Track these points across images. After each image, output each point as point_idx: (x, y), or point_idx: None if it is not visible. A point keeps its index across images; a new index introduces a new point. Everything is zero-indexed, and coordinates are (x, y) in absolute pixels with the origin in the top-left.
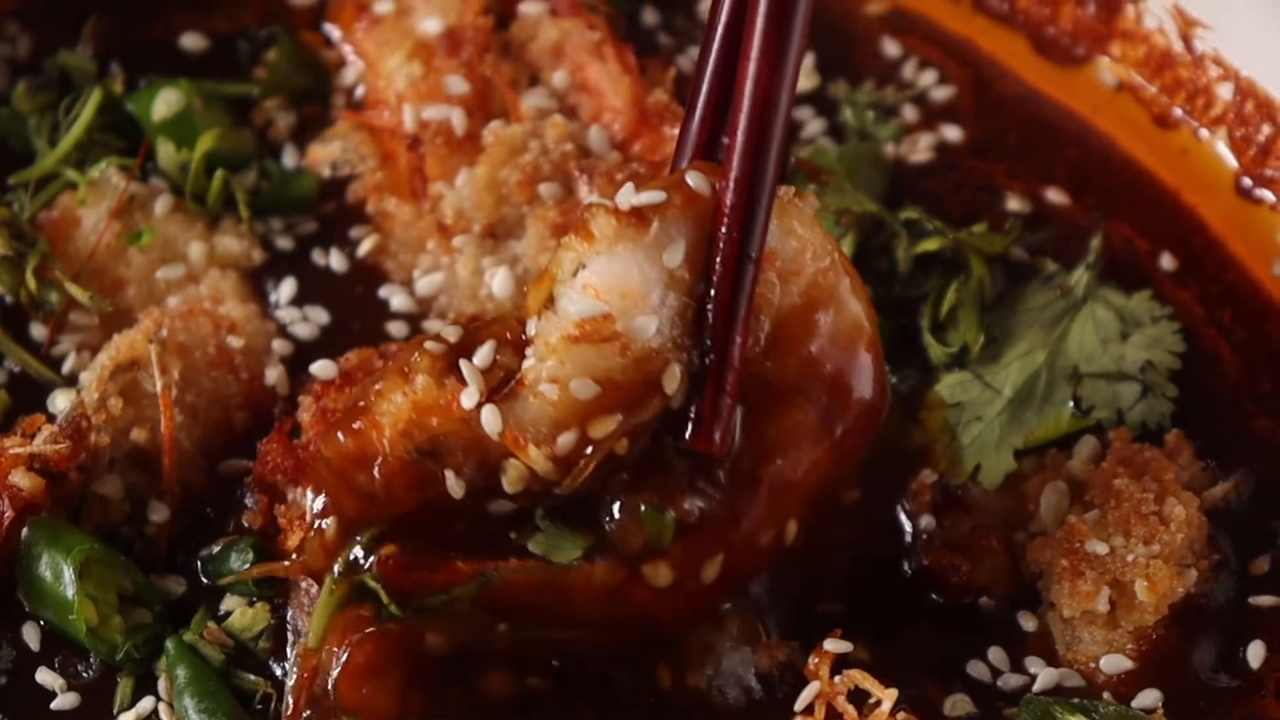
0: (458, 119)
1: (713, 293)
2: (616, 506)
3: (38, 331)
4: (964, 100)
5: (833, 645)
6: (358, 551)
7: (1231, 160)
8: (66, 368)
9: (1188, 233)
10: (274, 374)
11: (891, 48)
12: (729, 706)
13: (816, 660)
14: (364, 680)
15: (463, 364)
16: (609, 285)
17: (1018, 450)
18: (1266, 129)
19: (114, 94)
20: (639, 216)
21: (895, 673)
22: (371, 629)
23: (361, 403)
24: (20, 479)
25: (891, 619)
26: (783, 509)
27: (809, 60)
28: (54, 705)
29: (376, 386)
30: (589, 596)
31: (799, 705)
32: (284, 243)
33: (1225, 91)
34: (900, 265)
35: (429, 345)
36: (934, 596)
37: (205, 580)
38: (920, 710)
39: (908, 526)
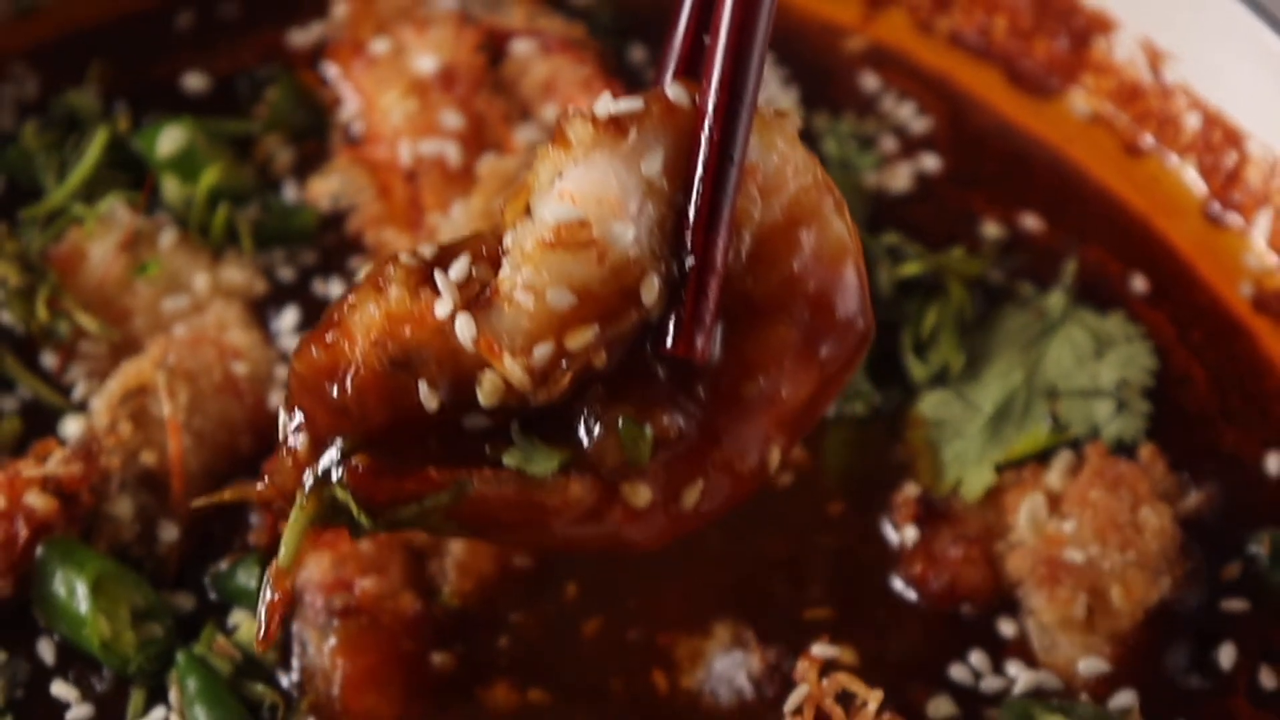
0: (452, 152)
1: (693, 198)
2: (594, 422)
3: (48, 361)
4: (941, 131)
5: (820, 650)
6: (328, 464)
7: (1200, 186)
8: (76, 395)
9: (1159, 256)
10: (277, 399)
11: (871, 81)
12: (721, 709)
13: (805, 664)
14: (368, 689)
15: (437, 275)
16: (586, 192)
17: (998, 465)
18: (1233, 156)
19: (119, 132)
20: (617, 124)
21: (880, 676)
22: (377, 642)
23: (335, 316)
24: (35, 500)
25: (876, 625)
26: (765, 432)
27: (794, 94)
28: (69, 717)
29: (349, 299)
30: (565, 514)
31: (788, 707)
32: (286, 273)
33: (1194, 120)
34: (882, 289)
35: (403, 258)
36: (917, 604)
37: (214, 596)
38: (904, 712)
39: (892, 537)
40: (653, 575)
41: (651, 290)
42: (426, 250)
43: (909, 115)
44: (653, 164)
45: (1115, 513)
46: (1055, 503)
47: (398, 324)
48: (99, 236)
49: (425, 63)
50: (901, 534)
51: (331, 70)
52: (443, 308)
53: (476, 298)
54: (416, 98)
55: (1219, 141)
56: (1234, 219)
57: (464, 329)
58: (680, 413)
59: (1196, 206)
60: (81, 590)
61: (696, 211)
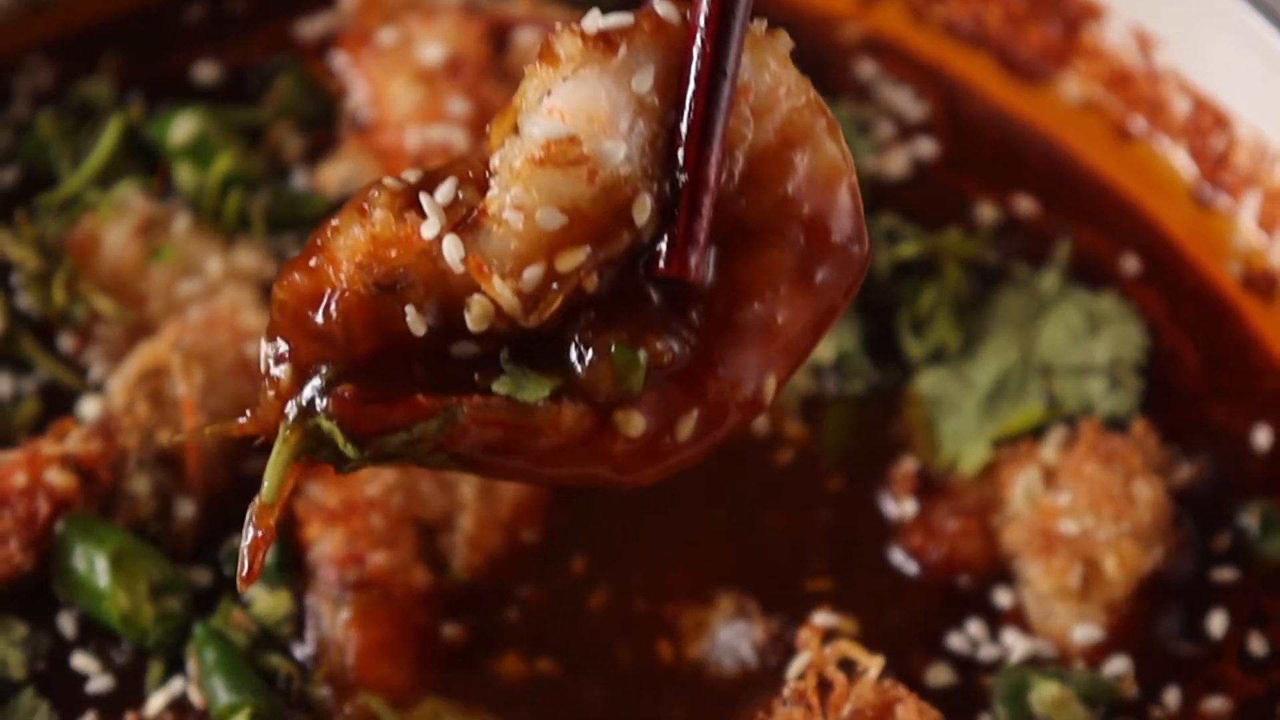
0: (458, 139)
1: (685, 113)
2: (586, 349)
3: (66, 344)
4: (937, 117)
5: (822, 619)
6: (312, 393)
7: (1190, 169)
8: (93, 376)
9: (1150, 237)
10: None
11: (867, 69)
12: (726, 677)
13: (807, 633)
14: (381, 659)
15: (423, 199)
16: (575, 109)
17: (994, 440)
18: (1222, 139)
19: (133, 121)
20: (606, 40)
21: (880, 645)
22: (389, 614)
23: (318, 241)
24: (55, 477)
25: (876, 596)
26: (761, 360)
27: None
28: (90, 687)
29: (333, 223)
30: (558, 444)
31: (791, 673)
32: None
33: (1183, 105)
34: (880, 270)
35: (387, 182)
36: (916, 575)
37: (229, 571)
38: (904, 680)
39: (890, 511)
40: (657, 549)
41: (644, 210)
42: (411, 175)
43: (905, 101)
44: (643, 80)
45: (1109, 486)
46: (1050, 476)
47: (383, 247)
48: (114, 222)
49: (432, 52)
50: (900, 508)
51: (339, 59)
52: (429, 230)
53: (464, 220)
54: (423, 86)
55: (1208, 125)
56: (1223, 200)
57: (452, 250)
58: (675, 338)
59: (1186, 189)
60: (101, 565)
61: (689, 126)
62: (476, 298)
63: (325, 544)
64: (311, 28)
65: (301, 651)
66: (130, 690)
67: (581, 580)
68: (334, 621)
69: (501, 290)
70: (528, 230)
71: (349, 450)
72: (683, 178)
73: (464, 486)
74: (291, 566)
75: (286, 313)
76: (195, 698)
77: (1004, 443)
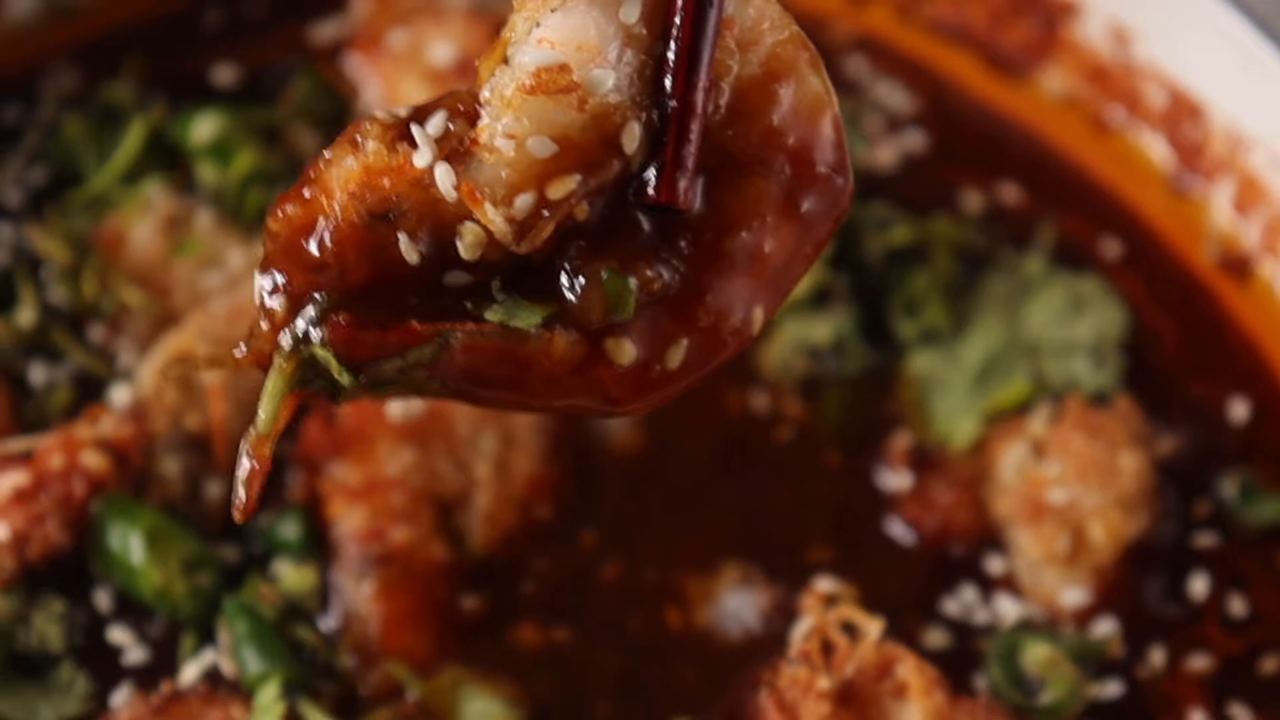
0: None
1: (672, 42)
2: (577, 277)
3: (95, 335)
4: (924, 110)
5: (823, 585)
6: (307, 322)
7: (1166, 157)
8: (121, 365)
9: (1129, 223)
10: None
11: (856, 65)
12: (732, 643)
13: (810, 598)
14: (402, 630)
15: (414, 130)
16: (564, 39)
17: (983, 416)
18: (1197, 129)
19: (155, 122)
20: None
21: (878, 610)
22: (410, 587)
23: (311, 173)
24: (90, 459)
25: (873, 565)
26: (748, 289)
27: None
28: (126, 659)
29: (326, 155)
30: (550, 372)
31: (795, 637)
32: None
33: (1160, 96)
34: (872, 257)
35: (379, 114)
36: (911, 545)
37: (256, 549)
38: (901, 643)
39: (886, 484)
40: (664, 523)
41: (633, 138)
42: (401, 110)
43: (893, 96)
44: (631, 11)
45: (1094, 457)
46: (1038, 449)
47: (376, 176)
48: (139, 218)
49: (441, 52)
50: (896, 480)
51: (352, 61)
52: (421, 159)
53: (455, 150)
54: (434, 84)
55: (1184, 115)
56: (1199, 187)
57: (444, 178)
58: (664, 266)
59: (1163, 176)
60: (136, 543)
61: (676, 54)
62: (469, 225)
63: (348, 521)
64: (325, 31)
65: (326, 625)
66: (164, 661)
67: (593, 553)
68: (357, 595)
69: (494, 217)
70: (519, 158)
71: (344, 378)
72: (671, 104)
73: (480, 465)
74: (316, 543)
75: (280, 243)
76: (226, 668)
77: (994, 418)
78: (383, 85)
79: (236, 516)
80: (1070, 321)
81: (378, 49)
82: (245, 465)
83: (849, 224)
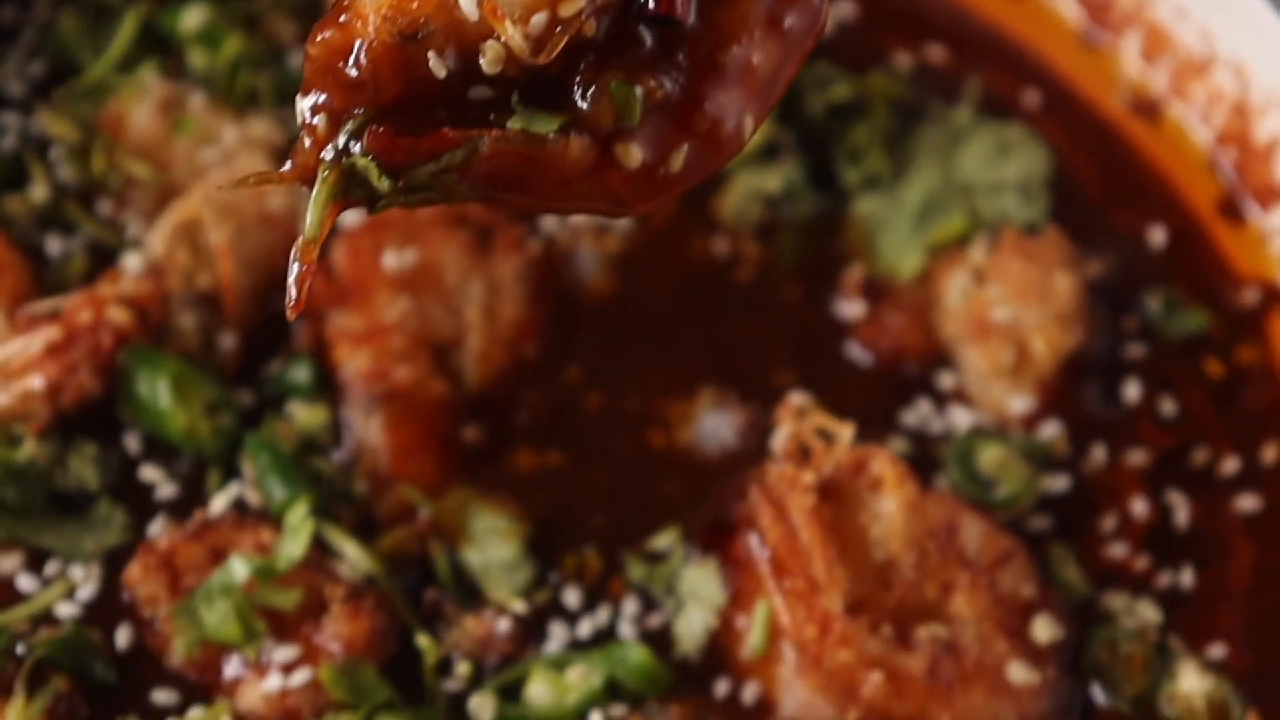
0: None
1: None
2: (588, 89)
3: (104, 209)
4: None
5: (794, 399)
6: (347, 135)
7: (1077, 15)
8: (131, 235)
9: (1047, 75)
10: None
11: None
12: (714, 457)
13: (784, 410)
14: (410, 457)
15: None
16: None
17: (927, 249)
18: None
19: (145, 14)
20: None
21: (843, 421)
22: (415, 419)
23: (345, 1)
24: (115, 314)
25: (835, 384)
26: (739, 98)
27: None
28: (158, 495)
29: None
30: (565, 174)
31: (775, 445)
32: None
33: None
34: (815, 112)
35: None
36: (869, 366)
37: (269, 392)
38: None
39: (842, 313)
40: (641, 355)
41: None
42: None
43: None
44: None
45: (1031, 278)
46: (979, 276)
47: (406, 1)
48: (137, 102)
49: None
50: (851, 309)
51: None
52: None
53: None
54: None
55: None
56: (1108, 40)
57: (467, 1)
58: (665, 76)
59: (1074, 31)
60: (162, 388)
61: None
62: (490, 43)
63: (353, 363)
64: None
65: (339, 457)
66: (194, 495)
67: (578, 385)
68: (367, 428)
69: (513, 33)
70: None
71: (383, 184)
72: None
73: (470, 311)
74: (324, 385)
75: (319, 66)
76: (251, 498)
77: (936, 251)
78: None
79: (289, 313)
80: (999, 164)
81: None
82: (295, 268)
83: (794, 83)
